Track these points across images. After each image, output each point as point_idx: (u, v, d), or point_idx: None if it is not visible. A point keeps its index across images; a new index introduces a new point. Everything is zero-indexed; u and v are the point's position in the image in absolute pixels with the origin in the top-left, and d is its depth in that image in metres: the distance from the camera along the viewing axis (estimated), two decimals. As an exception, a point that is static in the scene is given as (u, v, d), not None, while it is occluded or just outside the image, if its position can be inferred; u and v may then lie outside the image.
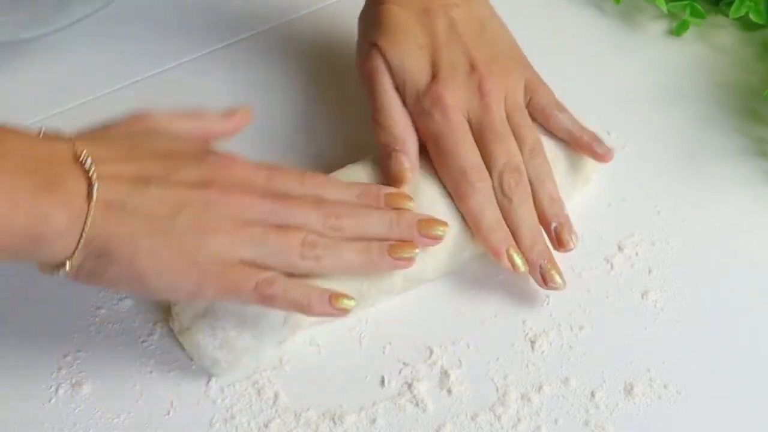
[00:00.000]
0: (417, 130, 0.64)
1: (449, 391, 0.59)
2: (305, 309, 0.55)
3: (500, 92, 0.64)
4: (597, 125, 0.67)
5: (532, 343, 0.61)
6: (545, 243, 0.62)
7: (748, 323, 0.62)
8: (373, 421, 0.58)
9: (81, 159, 0.52)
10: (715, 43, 0.77)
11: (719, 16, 0.79)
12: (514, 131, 0.63)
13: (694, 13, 0.77)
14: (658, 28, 0.78)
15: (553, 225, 0.62)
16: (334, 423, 0.57)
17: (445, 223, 0.60)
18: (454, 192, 0.62)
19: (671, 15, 0.78)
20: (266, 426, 0.57)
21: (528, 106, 0.65)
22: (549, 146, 0.65)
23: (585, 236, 0.65)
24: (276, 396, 0.59)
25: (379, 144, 0.63)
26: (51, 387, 0.59)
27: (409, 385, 0.59)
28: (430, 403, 0.58)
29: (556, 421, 0.58)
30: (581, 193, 0.67)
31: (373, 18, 0.66)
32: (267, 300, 0.55)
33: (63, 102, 0.72)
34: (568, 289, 0.62)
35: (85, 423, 0.57)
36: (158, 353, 0.60)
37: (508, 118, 0.64)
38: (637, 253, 0.65)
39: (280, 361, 0.60)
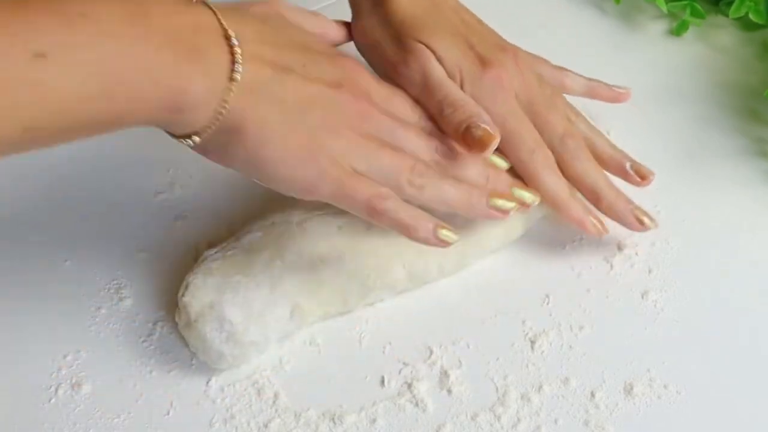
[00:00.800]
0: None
1: (449, 391, 0.59)
2: (410, 232, 0.56)
3: (530, 67, 0.65)
4: (597, 125, 0.67)
5: (532, 343, 0.61)
6: (623, 193, 0.64)
7: (748, 323, 0.62)
8: (373, 421, 0.58)
9: (228, 33, 0.52)
10: (715, 43, 0.77)
11: (719, 16, 0.79)
12: (552, 101, 0.65)
13: (694, 13, 0.77)
14: (658, 28, 0.78)
15: (628, 165, 0.64)
16: (334, 423, 0.57)
17: (536, 195, 0.61)
18: (525, 171, 0.62)
19: (671, 15, 0.78)
20: (266, 426, 0.57)
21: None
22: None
23: (585, 236, 0.65)
24: (276, 396, 0.59)
25: (454, 123, 0.60)
26: (51, 387, 0.59)
27: (409, 385, 0.59)
28: (430, 403, 0.58)
29: (556, 421, 0.58)
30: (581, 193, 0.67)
31: (384, 20, 0.65)
32: (376, 214, 0.55)
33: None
34: (568, 289, 0.63)
35: (85, 423, 0.57)
36: (158, 353, 0.60)
37: (542, 89, 0.65)
38: (637, 253, 0.65)
39: (280, 361, 0.60)
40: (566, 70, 0.68)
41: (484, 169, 0.60)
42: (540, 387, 0.59)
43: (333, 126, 0.55)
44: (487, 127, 0.59)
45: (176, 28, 0.51)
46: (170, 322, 0.61)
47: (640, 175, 0.64)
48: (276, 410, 0.58)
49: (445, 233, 0.56)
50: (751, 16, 0.75)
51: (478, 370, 0.60)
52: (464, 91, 0.62)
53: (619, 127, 0.71)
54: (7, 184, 0.68)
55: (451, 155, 0.59)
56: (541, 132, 0.63)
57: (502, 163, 0.62)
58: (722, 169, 0.69)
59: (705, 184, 0.69)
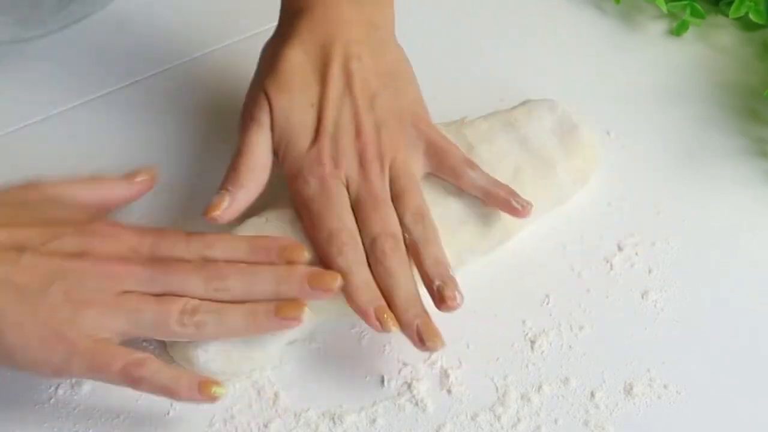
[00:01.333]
0: (291, 194, 0.61)
1: (449, 391, 0.59)
2: (173, 394, 0.53)
3: (384, 160, 0.61)
4: (597, 125, 0.67)
5: (532, 343, 0.61)
6: (423, 307, 0.57)
7: (748, 323, 0.62)
8: (373, 421, 0.58)
9: None
10: (715, 43, 0.77)
11: (719, 16, 0.79)
12: (398, 197, 0.60)
13: (694, 13, 0.77)
14: (658, 28, 0.78)
15: (436, 284, 0.57)
16: (334, 423, 0.57)
17: (337, 276, 0.56)
18: (323, 258, 0.58)
19: (671, 15, 0.78)
20: (266, 426, 0.57)
21: (438, 168, 0.62)
22: (549, 149, 0.65)
23: (585, 236, 0.65)
24: (276, 396, 0.59)
25: (222, 184, 0.59)
26: (51, 387, 0.59)
27: (409, 385, 0.59)
28: (429, 403, 0.58)
29: (556, 421, 0.58)
30: (581, 193, 0.67)
31: (271, 58, 0.62)
32: (134, 382, 0.53)
33: (63, 102, 0.72)
34: (568, 289, 0.63)
35: (85, 423, 0.57)
36: (158, 353, 0.60)
37: (393, 183, 0.60)
38: (637, 253, 0.65)
39: (280, 361, 0.60)
40: (472, 167, 0.62)
41: (275, 271, 0.56)
42: (540, 387, 0.59)
43: (80, 298, 0.52)
44: (226, 201, 0.58)
45: None
46: (170, 322, 0.61)
47: (440, 298, 0.57)
48: (276, 410, 0.58)
49: (214, 390, 0.53)
50: (751, 16, 0.75)
51: (478, 370, 0.60)
52: (286, 162, 0.60)
53: (619, 128, 0.71)
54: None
55: (232, 273, 0.55)
56: (360, 228, 0.59)
57: (302, 257, 0.57)
58: (722, 169, 0.69)
59: (705, 184, 0.69)
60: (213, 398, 0.54)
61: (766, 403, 0.59)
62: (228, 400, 0.58)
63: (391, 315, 0.57)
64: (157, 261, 0.55)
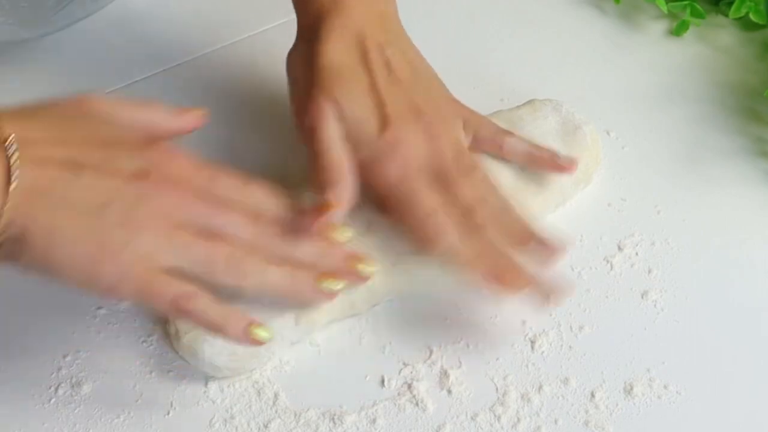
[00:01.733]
0: (372, 182, 0.61)
1: (449, 391, 0.59)
2: (219, 331, 0.54)
3: (448, 135, 0.62)
4: (597, 125, 0.67)
5: (532, 343, 0.61)
6: (526, 270, 0.59)
7: (748, 323, 0.62)
8: (373, 421, 0.58)
9: (7, 141, 0.50)
10: (715, 43, 0.77)
11: (719, 16, 0.79)
12: (465, 172, 0.61)
13: (694, 13, 0.77)
14: (658, 28, 0.78)
15: (533, 242, 0.59)
16: (334, 423, 0.57)
17: (372, 263, 0.58)
18: (422, 238, 0.59)
19: (671, 15, 0.78)
20: (266, 426, 0.57)
21: (476, 141, 0.63)
22: (553, 145, 0.65)
23: (585, 236, 0.65)
24: (276, 396, 0.59)
25: (316, 186, 0.59)
26: (51, 387, 0.59)
27: (409, 385, 0.59)
28: (429, 403, 0.58)
29: (556, 421, 0.58)
30: (581, 193, 0.67)
31: (310, 60, 0.62)
32: (182, 314, 0.54)
33: (63, 102, 0.72)
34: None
35: (85, 423, 0.57)
36: (158, 353, 0.60)
37: (457, 160, 0.62)
38: (637, 253, 0.65)
39: (280, 361, 0.60)
40: (509, 134, 0.64)
41: (318, 243, 0.58)
42: (540, 387, 0.59)
43: (136, 221, 0.52)
44: (332, 197, 0.57)
45: None
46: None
47: (545, 250, 0.59)
48: (276, 410, 0.58)
49: (257, 331, 0.54)
50: (751, 16, 0.75)
51: (478, 370, 0.60)
52: (361, 152, 0.60)
53: (619, 128, 0.71)
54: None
55: (279, 234, 0.56)
56: (447, 201, 0.60)
57: (343, 236, 0.59)
58: (722, 169, 0.69)
59: (705, 184, 0.69)
60: (257, 341, 0.54)
61: (766, 403, 0.59)
62: (228, 400, 0.58)
63: (516, 274, 0.58)
64: (213, 200, 0.55)
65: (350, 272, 0.58)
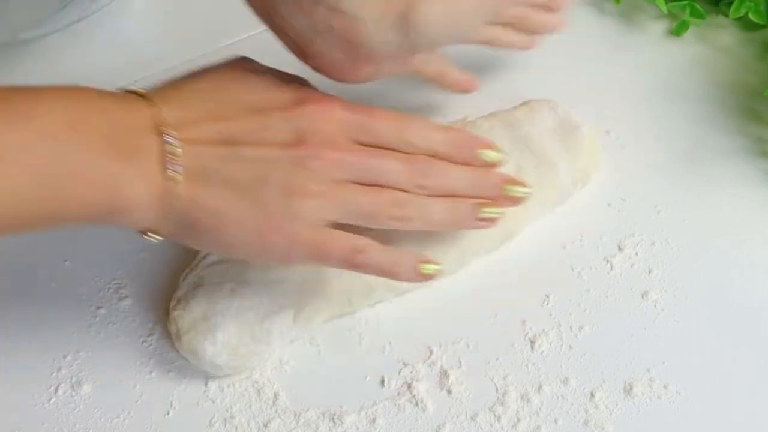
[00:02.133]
0: None
1: (449, 391, 0.59)
2: (394, 276, 0.56)
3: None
4: (597, 125, 0.67)
5: (532, 343, 0.61)
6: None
7: (748, 323, 0.62)
8: (373, 421, 0.58)
9: (163, 127, 0.51)
10: (715, 43, 0.77)
11: (719, 16, 0.79)
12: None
13: (694, 13, 0.77)
14: (658, 28, 0.78)
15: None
16: (334, 423, 0.57)
17: (527, 185, 0.59)
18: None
19: (671, 15, 0.78)
20: (266, 426, 0.57)
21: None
22: (551, 149, 0.65)
23: (585, 236, 0.65)
24: (276, 396, 0.59)
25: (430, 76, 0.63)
26: (51, 387, 0.59)
27: (409, 385, 0.59)
28: (429, 403, 0.58)
29: (555, 421, 0.58)
30: (581, 193, 0.67)
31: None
32: (357, 267, 0.55)
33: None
34: (568, 289, 0.63)
35: (85, 423, 0.57)
36: (158, 353, 0.60)
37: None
38: (637, 253, 0.65)
39: (280, 361, 0.60)
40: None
41: (472, 173, 0.58)
42: (540, 387, 0.59)
43: (297, 189, 0.53)
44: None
45: (112, 130, 0.50)
46: (170, 322, 0.61)
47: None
48: (276, 410, 0.58)
49: (427, 267, 0.56)
50: (751, 16, 0.75)
51: (478, 370, 0.60)
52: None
53: (619, 128, 0.71)
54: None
55: (434, 172, 0.57)
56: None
57: (492, 156, 0.59)
58: (722, 169, 0.69)
59: (705, 184, 0.68)
60: (430, 277, 0.56)
61: (766, 403, 0.59)
62: (228, 399, 0.58)
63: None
64: (367, 151, 0.56)
65: (506, 197, 0.59)
